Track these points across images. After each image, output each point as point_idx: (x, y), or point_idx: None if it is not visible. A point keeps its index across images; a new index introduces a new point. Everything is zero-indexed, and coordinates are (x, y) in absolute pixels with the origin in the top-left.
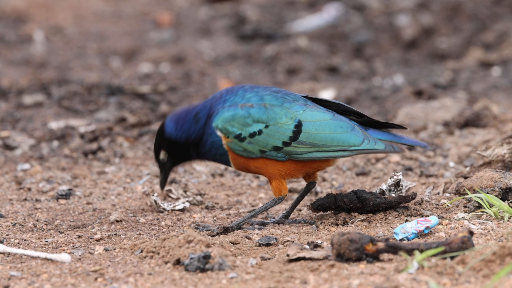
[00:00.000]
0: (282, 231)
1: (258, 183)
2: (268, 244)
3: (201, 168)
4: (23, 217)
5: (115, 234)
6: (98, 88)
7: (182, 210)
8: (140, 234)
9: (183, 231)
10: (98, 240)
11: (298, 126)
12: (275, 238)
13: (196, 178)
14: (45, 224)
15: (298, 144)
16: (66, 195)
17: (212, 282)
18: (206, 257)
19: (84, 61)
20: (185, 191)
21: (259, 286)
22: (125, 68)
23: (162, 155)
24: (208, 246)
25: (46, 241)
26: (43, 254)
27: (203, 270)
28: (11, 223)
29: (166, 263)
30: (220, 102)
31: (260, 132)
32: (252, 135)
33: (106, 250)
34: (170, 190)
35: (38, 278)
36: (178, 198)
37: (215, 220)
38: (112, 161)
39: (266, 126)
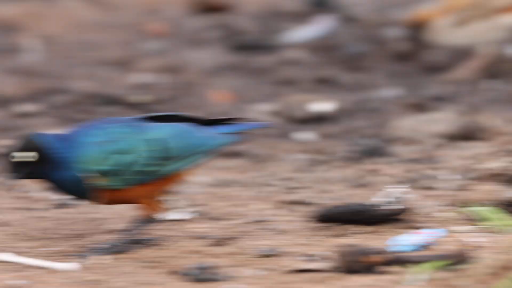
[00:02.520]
0: (285, 242)
1: (260, 194)
2: (270, 255)
3: (204, 178)
4: (29, 226)
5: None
6: (92, 98)
7: (184, 220)
8: (141, 243)
9: (184, 241)
10: (99, 249)
11: (157, 145)
12: (278, 249)
13: (197, 188)
14: (49, 233)
15: (161, 161)
16: (67, 204)
17: None
18: (207, 268)
19: (78, 70)
20: (186, 201)
21: None
22: (119, 78)
23: (24, 156)
24: (209, 256)
25: (50, 250)
26: (46, 263)
27: (203, 280)
28: (16, 231)
29: (167, 273)
30: (76, 143)
31: (123, 161)
32: (116, 166)
33: (109, 259)
34: (171, 200)
35: (43, 287)
36: (179, 208)
37: (216, 230)
38: None
39: (128, 154)
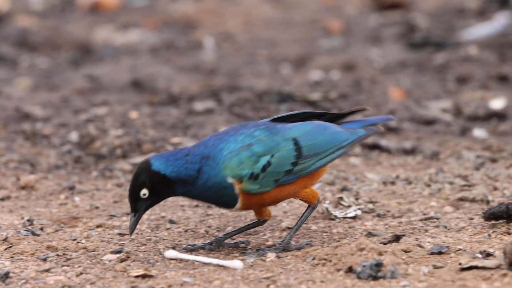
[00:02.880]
0: (454, 240)
1: (430, 191)
2: (440, 253)
3: (372, 176)
4: (194, 224)
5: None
6: (269, 95)
7: (354, 217)
8: (311, 241)
9: (355, 238)
10: (269, 247)
11: (297, 144)
12: (447, 247)
13: (368, 186)
14: (217, 231)
15: (304, 159)
16: None
17: None
18: (378, 265)
19: (254, 68)
20: (356, 199)
21: None
22: (295, 75)
23: (143, 192)
24: (380, 254)
25: (213, 248)
26: (215, 261)
27: (375, 278)
28: (183, 229)
29: (338, 270)
30: (217, 151)
31: (269, 163)
32: (263, 169)
33: (278, 257)
34: (341, 198)
35: (211, 284)
36: (349, 206)
37: (386, 228)
38: None
39: (272, 156)
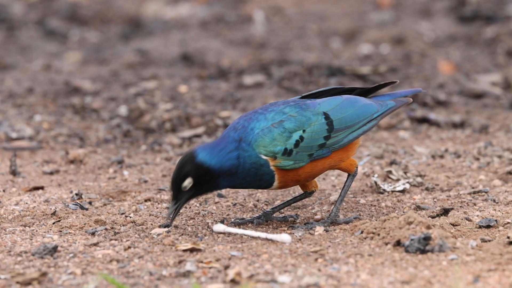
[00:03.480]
0: (502, 213)
1: (478, 165)
2: (488, 226)
3: (421, 149)
4: (243, 197)
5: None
6: (318, 69)
7: (402, 191)
8: (360, 214)
9: (403, 212)
10: (318, 221)
11: (328, 118)
12: (496, 220)
13: (416, 159)
14: (265, 204)
15: (336, 133)
16: None
17: (432, 263)
18: (427, 239)
19: (303, 41)
20: (405, 172)
21: (479, 268)
22: (345, 49)
23: (187, 182)
24: (428, 227)
25: (266, 221)
26: (263, 235)
27: (423, 251)
28: (232, 203)
29: (386, 244)
30: (248, 131)
31: (301, 138)
32: (296, 144)
33: (326, 231)
34: (390, 171)
35: (259, 258)
36: (398, 180)
37: (435, 201)
38: None
39: (304, 131)
